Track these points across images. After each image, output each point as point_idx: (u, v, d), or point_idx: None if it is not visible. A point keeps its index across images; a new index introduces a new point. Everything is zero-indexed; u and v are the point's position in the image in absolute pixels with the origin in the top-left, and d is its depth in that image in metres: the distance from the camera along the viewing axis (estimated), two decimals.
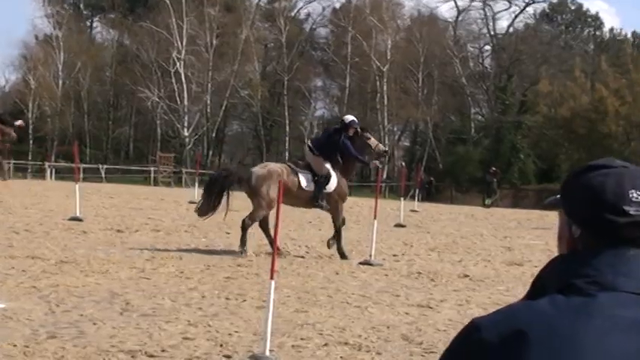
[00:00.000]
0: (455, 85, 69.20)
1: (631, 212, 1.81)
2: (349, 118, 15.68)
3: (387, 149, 16.49)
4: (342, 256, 14.49)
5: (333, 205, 14.85)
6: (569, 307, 1.75)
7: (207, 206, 14.66)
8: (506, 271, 14.15)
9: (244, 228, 14.20)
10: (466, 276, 13.30)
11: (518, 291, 11.16)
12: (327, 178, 14.82)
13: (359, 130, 15.40)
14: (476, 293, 11.50)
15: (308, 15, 74.53)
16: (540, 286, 1.86)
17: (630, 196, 1.83)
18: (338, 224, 14.81)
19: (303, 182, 14.70)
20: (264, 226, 14.54)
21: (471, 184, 58.67)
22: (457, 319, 9.21)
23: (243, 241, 14.13)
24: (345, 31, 67.74)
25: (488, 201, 44.59)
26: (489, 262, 15.60)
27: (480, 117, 70.44)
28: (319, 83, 74.31)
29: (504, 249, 18.06)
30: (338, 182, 14.91)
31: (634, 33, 72.14)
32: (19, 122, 21.97)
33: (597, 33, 75.23)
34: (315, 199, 14.72)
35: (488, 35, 73.01)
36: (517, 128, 63.96)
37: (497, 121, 65.48)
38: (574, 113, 59.49)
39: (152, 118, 68.67)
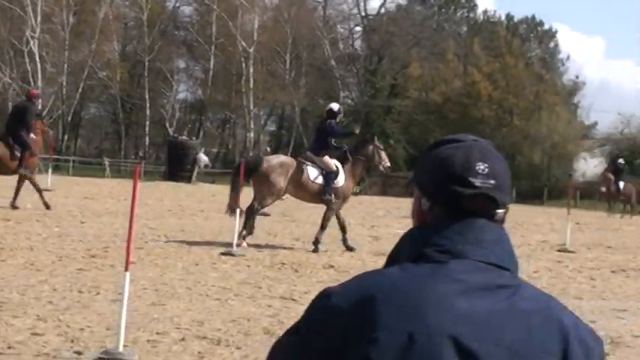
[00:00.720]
0: (324, 67, 69.74)
1: (477, 184, 1.92)
2: (337, 105, 17.14)
3: (390, 166, 17.97)
4: (349, 249, 16.08)
5: (338, 200, 16.36)
6: (417, 272, 1.87)
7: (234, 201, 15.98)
8: (373, 261, 14.49)
9: (253, 213, 15.84)
10: (331, 266, 13.57)
11: None
12: (336, 173, 16.33)
13: (375, 139, 17.44)
14: None
15: None
16: (395, 257, 1.96)
17: (477, 168, 1.93)
18: (327, 223, 16.26)
19: (312, 175, 16.18)
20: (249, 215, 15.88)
21: None
22: None
23: (246, 226, 15.61)
24: (210, 9, 67.29)
25: (356, 189, 45.25)
26: (356, 252, 15.95)
27: (349, 101, 71.16)
28: (182, 64, 73.60)
29: (371, 238, 18.44)
30: (345, 180, 16.43)
31: (508, 15, 74.06)
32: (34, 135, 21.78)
33: (471, 15, 76.75)
34: (323, 192, 16.19)
35: (358, 16, 73.84)
36: (387, 113, 65.05)
37: (366, 105, 66.37)
38: (446, 98, 60.81)
39: (3, 100, 66.59)
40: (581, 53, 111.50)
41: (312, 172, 16.25)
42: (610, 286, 14.06)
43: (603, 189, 38.61)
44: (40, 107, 22.50)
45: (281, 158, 16.57)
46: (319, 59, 69.59)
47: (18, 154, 19.65)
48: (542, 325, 1.89)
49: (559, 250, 18.82)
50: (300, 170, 16.13)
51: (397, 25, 68.46)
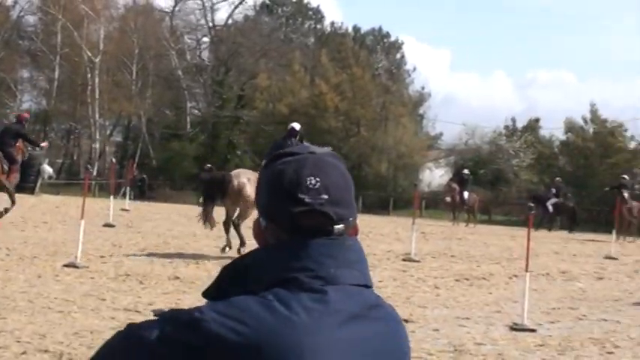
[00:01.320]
0: (170, 78, 69.04)
1: (306, 200, 1.84)
2: (298, 126, 19.14)
3: None
4: None
5: None
6: (300, 306, 1.78)
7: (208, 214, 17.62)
8: (218, 272, 14.41)
9: (237, 227, 17.08)
10: (177, 278, 13.45)
11: None
12: None
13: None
14: (187, 296, 11.65)
15: (15, 2, 71.47)
16: (241, 281, 1.86)
17: (308, 183, 1.85)
18: None
19: None
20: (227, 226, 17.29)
21: (186, 181, 58.84)
22: None
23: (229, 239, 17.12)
24: (55, 19, 65.60)
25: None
26: (202, 263, 15.86)
27: (196, 111, 70.71)
28: (26, 74, 71.47)
29: (217, 249, 18.36)
30: None
31: (355, 27, 75.13)
32: (44, 143, 26.63)
33: (318, 26, 77.57)
34: None
35: (206, 27, 73.53)
36: (234, 123, 64.94)
37: (214, 116, 66.08)
38: (293, 109, 61.08)
39: None
40: (428, 65, 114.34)
41: None
42: (454, 295, 14.41)
43: (448, 199, 39.67)
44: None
45: (247, 174, 17.81)
46: (166, 70, 68.86)
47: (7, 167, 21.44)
48: (392, 352, 1.90)
49: (404, 260, 19.14)
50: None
51: (245, 36, 68.47)
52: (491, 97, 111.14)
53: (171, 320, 1.75)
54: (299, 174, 1.86)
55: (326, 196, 1.85)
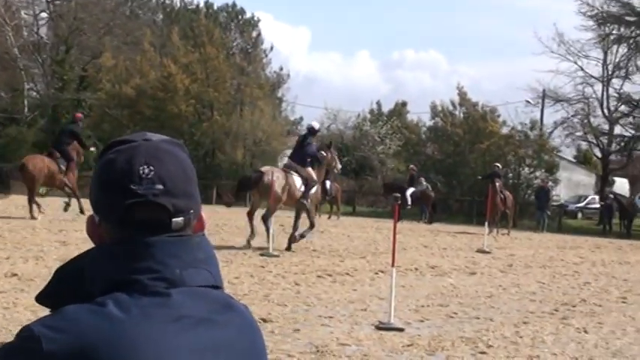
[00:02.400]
0: (6, 57, 67.04)
1: (139, 191, 1.79)
2: (317, 125, 22.25)
3: (339, 170, 24.32)
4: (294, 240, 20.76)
5: (311, 204, 21.11)
6: (140, 312, 1.74)
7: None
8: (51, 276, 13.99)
9: (266, 221, 19.86)
10: (14, 275, 13.11)
11: None
12: (315, 182, 21.01)
13: (331, 147, 22.48)
14: (25, 294, 11.32)
15: None
16: (70, 282, 1.83)
17: (140, 172, 1.81)
18: (313, 219, 21.29)
19: (298, 184, 20.69)
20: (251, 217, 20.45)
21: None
22: (2, 325, 8.93)
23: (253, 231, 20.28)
24: None
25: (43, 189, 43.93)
26: (41, 258, 15.38)
27: (34, 94, 68.93)
28: None
29: (59, 244, 17.90)
30: (317, 187, 21.16)
31: (207, 3, 74.46)
32: (92, 148, 27.96)
33: (167, 1, 76.66)
34: (304, 198, 20.73)
35: (44, 1, 71.70)
36: (77, 107, 63.55)
37: (54, 98, 64.54)
38: (140, 91, 60.20)
39: None
40: (286, 44, 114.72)
41: (298, 181, 20.74)
42: (315, 292, 14.34)
43: None
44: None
45: (276, 171, 20.67)
46: (1, 48, 66.82)
47: (63, 167, 24.59)
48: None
49: (262, 255, 19.04)
50: (290, 180, 20.57)
51: (87, 12, 67.13)
52: (355, 79, 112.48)
53: (6, 353, 1.73)
54: (131, 163, 1.82)
55: (161, 187, 1.82)
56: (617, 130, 57.08)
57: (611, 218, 44.67)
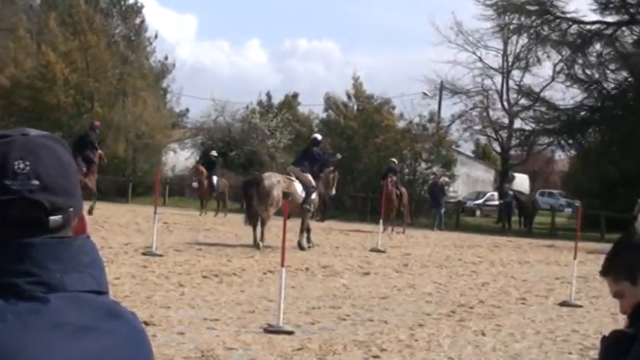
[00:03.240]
0: None
1: (14, 187, 1.76)
2: (320, 136, 25.92)
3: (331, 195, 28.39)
4: (302, 248, 23.04)
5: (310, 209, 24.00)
6: (16, 318, 1.70)
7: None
8: None
9: (263, 223, 22.64)
10: None
11: None
12: (314, 187, 23.68)
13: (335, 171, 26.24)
14: None
15: None
16: None
17: (15, 167, 1.78)
18: (307, 224, 23.70)
19: (299, 189, 23.18)
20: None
21: None
22: None
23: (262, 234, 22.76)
24: None
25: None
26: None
27: None
28: None
29: None
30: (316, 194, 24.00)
31: None
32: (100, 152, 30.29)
33: None
34: (305, 203, 23.25)
35: None
36: None
37: None
38: (16, 81, 59.06)
39: None
40: (172, 32, 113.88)
41: (299, 187, 23.28)
42: (201, 293, 14.27)
43: (195, 184, 39.59)
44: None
45: (277, 176, 23.32)
46: None
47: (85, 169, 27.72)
48: None
49: (144, 254, 18.90)
50: (291, 185, 22.93)
51: None
52: (244, 69, 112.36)
53: None
54: (6, 158, 1.80)
55: (37, 182, 1.79)
56: (517, 123, 58.02)
57: (510, 216, 45.44)
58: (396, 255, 24.03)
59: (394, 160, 37.30)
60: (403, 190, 35.36)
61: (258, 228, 22.83)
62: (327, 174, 25.33)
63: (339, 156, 27.99)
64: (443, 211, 41.74)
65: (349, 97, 54.65)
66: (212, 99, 63.39)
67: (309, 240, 23.84)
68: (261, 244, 22.31)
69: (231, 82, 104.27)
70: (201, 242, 23.25)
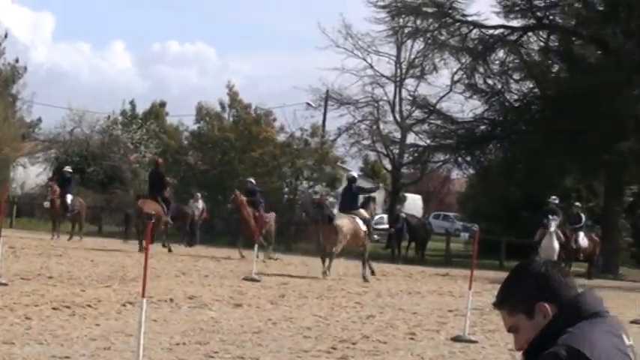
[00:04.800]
0: None
1: None
2: (356, 173, 33.50)
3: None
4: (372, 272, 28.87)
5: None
6: None
7: None
8: None
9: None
10: None
11: None
12: (371, 219, 29.49)
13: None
14: None
15: None
16: None
17: None
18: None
19: (361, 225, 28.25)
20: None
21: None
22: None
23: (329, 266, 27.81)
24: None
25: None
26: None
27: None
28: None
29: None
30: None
31: None
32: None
33: None
34: (369, 235, 29.04)
35: None
36: None
37: None
38: None
39: None
40: (25, 31, 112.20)
41: (361, 223, 28.28)
42: (50, 327, 14.18)
43: (47, 204, 39.06)
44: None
45: (345, 218, 28.06)
46: None
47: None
48: None
49: None
50: (355, 225, 28.01)
51: None
52: (106, 75, 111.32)
53: None
54: None
55: None
56: (411, 138, 58.08)
57: (400, 241, 45.75)
58: (271, 284, 24.16)
59: (251, 180, 37.39)
60: (268, 214, 35.46)
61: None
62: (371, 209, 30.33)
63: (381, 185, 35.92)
64: None
65: (224, 106, 54.55)
66: (69, 107, 62.66)
67: (372, 272, 28.86)
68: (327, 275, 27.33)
69: (92, 88, 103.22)
70: (52, 269, 23.03)
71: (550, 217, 35.09)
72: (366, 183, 37.03)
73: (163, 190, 34.33)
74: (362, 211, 28.59)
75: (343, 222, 27.56)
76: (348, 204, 28.92)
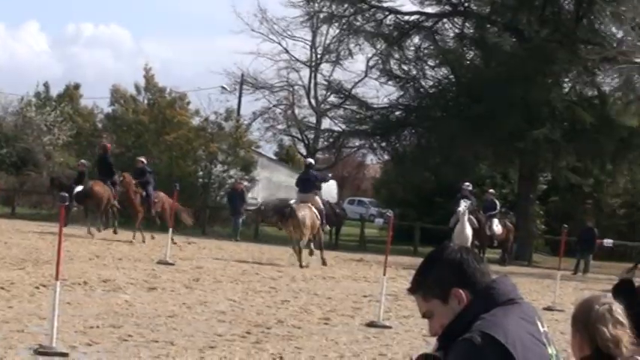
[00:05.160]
0: None
1: None
2: (312, 160, 34.83)
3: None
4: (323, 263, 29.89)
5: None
6: None
7: None
8: None
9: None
10: None
11: None
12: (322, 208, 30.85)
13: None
14: None
15: None
16: None
17: None
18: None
19: (318, 215, 29.64)
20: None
21: None
22: None
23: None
24: None
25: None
26: None
27: None
28: None
29: None
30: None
31: None
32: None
33: None
34: (322, 225, 30.36)
35: None
36: None
37: None
38: None
39: None
40: None
41: (315, 212, 29.67)
42: None
43: None
44: None
45: (308, 210, 29.14)
46: None
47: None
48: None
49: None
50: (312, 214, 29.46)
51: None
52: (20, 56, 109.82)
53: None
54: None
55: None
56: (326, 123, 58.29)
57: None
58: (186, 268, 24.13)
59: (142, 159, 37.12)
60: (160, 194, 35.19)
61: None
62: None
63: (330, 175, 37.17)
64: (241, 219, 41.94)
65: (139, 90, 54.15)
66: None
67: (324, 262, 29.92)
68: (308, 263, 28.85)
69: (4, 70, 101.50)
70: None
71: (461, 201, 35.35)
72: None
73: (112, 175, 34.69)
74: (317, 199, 30.45)
75: (305, 214, 28.79)
76: (307, 188, 30.36)
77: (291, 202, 30.65)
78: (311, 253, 29.46)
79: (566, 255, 27.99)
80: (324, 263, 29.66)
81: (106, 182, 34.27)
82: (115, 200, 34.25)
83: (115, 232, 33.79)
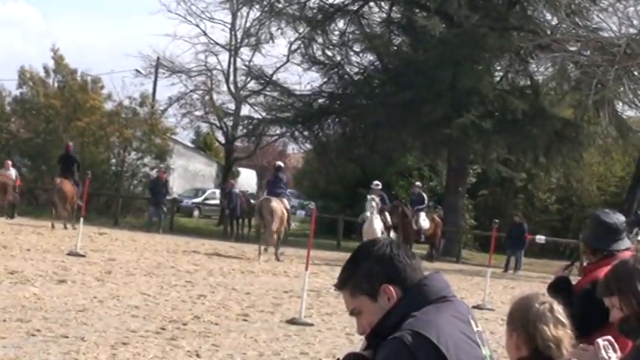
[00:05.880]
0: None
1: None
2: (282, 163, 35.15)
3: None
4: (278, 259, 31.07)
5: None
6: None
7: None
8: None
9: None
10: None
11: None
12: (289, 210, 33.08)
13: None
14: None
15: None
16: None
17: None
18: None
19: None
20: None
21: None
22: None
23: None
24: None
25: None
26: None
27: None
28: None
29: None
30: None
31: None
32: None
33: None
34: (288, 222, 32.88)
35: None
36: None
37: None
38: None
39: None
40: None
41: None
42: None
43: None
44: None
45: (279, 203, 31.38)
46: None
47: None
48: None
49: None
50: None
51: None
52: None
53: None
54: None
55: None
56: (245, 110, 58.01)
57: (233, 219, 45.57)
58: (97, 260, 23.98)
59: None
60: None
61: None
62: None
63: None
64: (163, 210, 41.70)
65: (48, 72, 53.57)
66: None
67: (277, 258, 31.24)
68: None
69: None
70: None
71: (369, 197, 35.38)
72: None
73: (75, 172, 36.08)
74: (285, 200, 32.39)
75: (278, 205, 31.07)
76: (275, 191, 31.97)
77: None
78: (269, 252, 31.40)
79: (496, 251, 28.14)
80: (277, 259, 30.93)
81: (70, 180, 35.65)
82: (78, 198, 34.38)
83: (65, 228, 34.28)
